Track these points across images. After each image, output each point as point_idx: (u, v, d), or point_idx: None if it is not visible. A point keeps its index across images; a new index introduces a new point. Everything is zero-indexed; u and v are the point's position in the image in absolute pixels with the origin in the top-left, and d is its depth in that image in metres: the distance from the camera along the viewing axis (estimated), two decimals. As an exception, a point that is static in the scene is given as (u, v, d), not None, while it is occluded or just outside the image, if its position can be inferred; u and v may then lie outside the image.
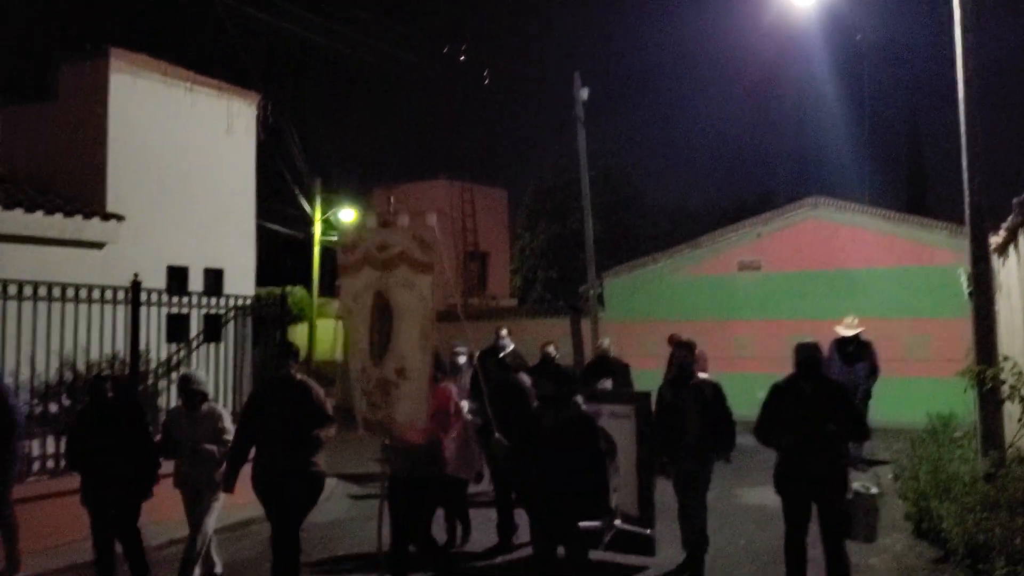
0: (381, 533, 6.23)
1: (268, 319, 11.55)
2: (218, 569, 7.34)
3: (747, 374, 17.33)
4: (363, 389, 6.14)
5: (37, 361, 8.30)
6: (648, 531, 7.37)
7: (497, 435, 7.52)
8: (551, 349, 10.90)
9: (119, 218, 11.77)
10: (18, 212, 10.69)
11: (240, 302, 11.07)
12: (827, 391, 6.37)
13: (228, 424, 7.04)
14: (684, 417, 7.23)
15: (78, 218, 11.34)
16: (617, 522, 7.19)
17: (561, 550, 5.66)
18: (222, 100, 13.88)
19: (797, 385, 6.39)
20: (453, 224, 26.66)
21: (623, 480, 7.35)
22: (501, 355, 10.31)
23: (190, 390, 7.00)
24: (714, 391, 7.37)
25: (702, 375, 7.63)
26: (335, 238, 26.42)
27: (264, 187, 15.87)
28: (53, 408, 8.88)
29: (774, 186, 31.77)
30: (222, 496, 6.90)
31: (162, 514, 7.50)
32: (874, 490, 6.68)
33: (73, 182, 12.22)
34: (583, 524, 5.53)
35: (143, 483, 6.75)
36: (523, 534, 7.91)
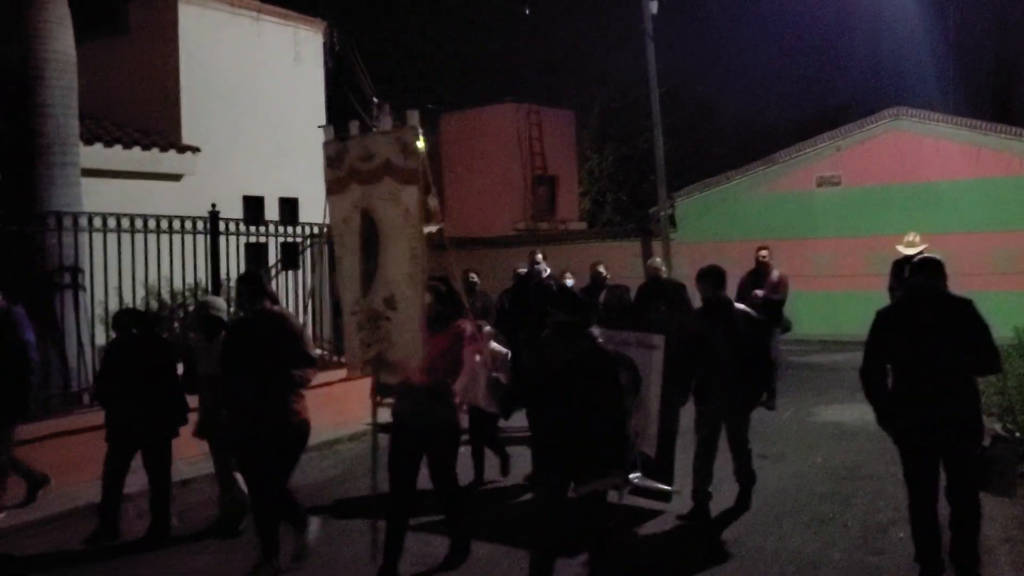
0: (376, 476, 5.55)
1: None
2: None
3: (828, 293, 17.11)
4: (358, 324, 5.38)
5: (123, 291, 8.56)
6: (672, 488, 6.65)
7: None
8: (602, 269, 10.49)
9: (194, 150, 11.97)
10: (98, 147, 10.95)
11: (316, 230, 11.21)
12: (951, 313, 4.97)
13: None
14: (715, 352, 6.40)
15: (155, 151, 11.58)
16: (636, 476, 6.45)
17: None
18: (289, 29, 13.89)
19: (911, 311, 5.03)
20: (521, 148, 26.44)
21: (647, 415, 6.64)
22: (539, 280, 10.07)
23: (207, 316, 6.45)
24: (748, 323, 6.58)
25: (740, 306, 6.80)
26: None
27: (334, 116, 15.93)
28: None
29: (852, 98, 30.57)
30: None
31: (190, 451, 7.31)
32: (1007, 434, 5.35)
33: (147, 115, 12.44)
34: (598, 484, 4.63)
35: (169, 422, 6.39)
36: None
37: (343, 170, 5.40)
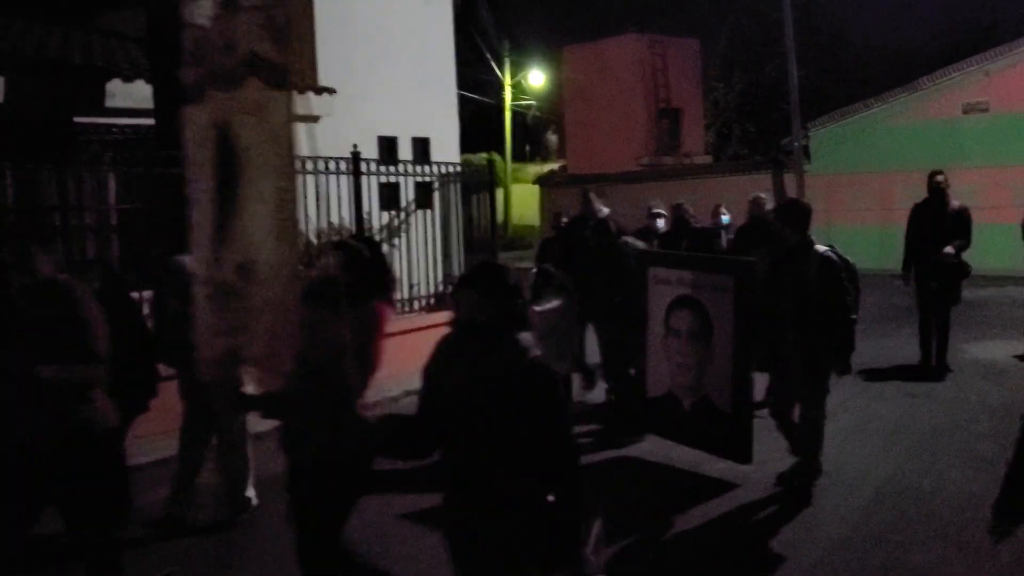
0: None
1: (473, 185, 11.80)
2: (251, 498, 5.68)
3: (978, 225, 16.24)
4: (206, 303, 3.67)
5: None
6: None
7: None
8: (688, 207, 9.07)
9: (331, 91, 12.21)
10: (240, 90, 11.29)
11: (450, 169, 11.38)
12: None
13: None
14: (782, 306, 5.55)
15: (293, 93, 11.86)
16: None
17: None
18: (417, -34, 13.89)
19: None
20: (644, 80, 25.91)
21: (717, 369, 5.90)
22: (595, 224, 8.46)
23: (180, 280, 5.04)
24: (822, 269, 5.44)
25: (820, 247, 5.56)
26: (528, 102, 26.47)
27: (460, 53, 15.95)
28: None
29: (999, 18, 28.67)
30: None
31: (158, 427, 6.04)
32: None
33: (285, 59, 12.74)
34: None
35: (139, 392, 5.31)
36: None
37: (203, 68, 3.66)
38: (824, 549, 4.95)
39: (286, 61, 3.46)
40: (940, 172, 9.03)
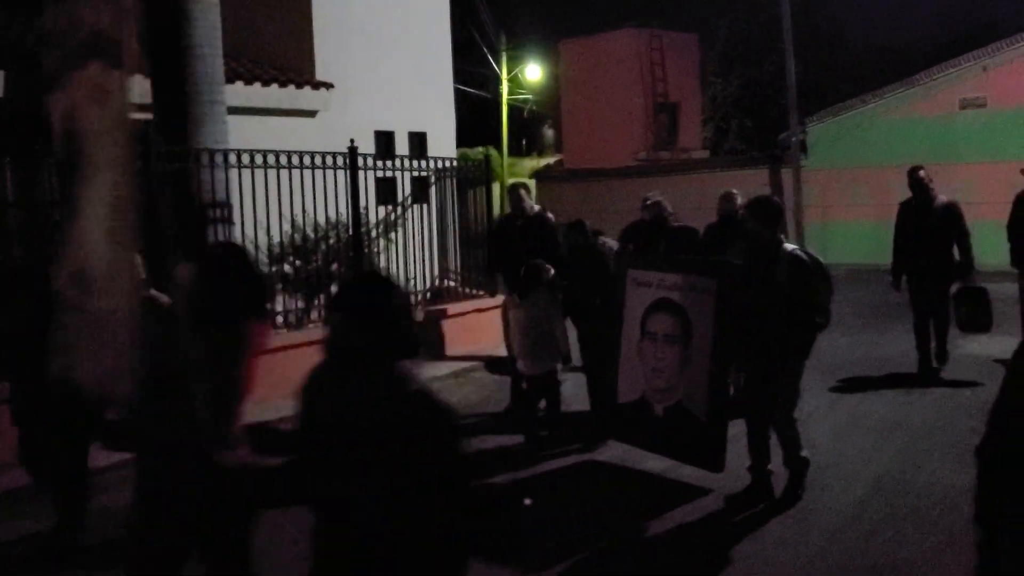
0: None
1: (470, 180, 11.83)
2: None
3: (973, 221, 16.29)
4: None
5: (271, 226, 8.92)
6: None
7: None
8: (666, 204, 8.26)
9: (328, 86, 12.23)
10: (239, 85, 11.29)
11: (447, 164, 11.40)
12: None
13: None
14: (753, 306, 5.41)
15: (291, 88, 11.87)
16: None
17: None
18: (413, -40, 13.89)
19: None
20: (643, 75, 25.92)
21: (694, 373, 5.80)
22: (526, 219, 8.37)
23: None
24: (791, 268, 5.33)
25: (789, 246, 5.49)
26: (525, 96, 26.42)
27: (457, 47, 15.96)
28: (287, 269, 9.61)
29: (999, 15, 28.70)
30: None
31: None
32: None
33: (282, 53, 12.74)
34: None
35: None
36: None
37: (62, 49, 3.31)
38: (817, 544, 4.98)
39: (117, 32, 3.12)
40: (921, 167, 8.70)
